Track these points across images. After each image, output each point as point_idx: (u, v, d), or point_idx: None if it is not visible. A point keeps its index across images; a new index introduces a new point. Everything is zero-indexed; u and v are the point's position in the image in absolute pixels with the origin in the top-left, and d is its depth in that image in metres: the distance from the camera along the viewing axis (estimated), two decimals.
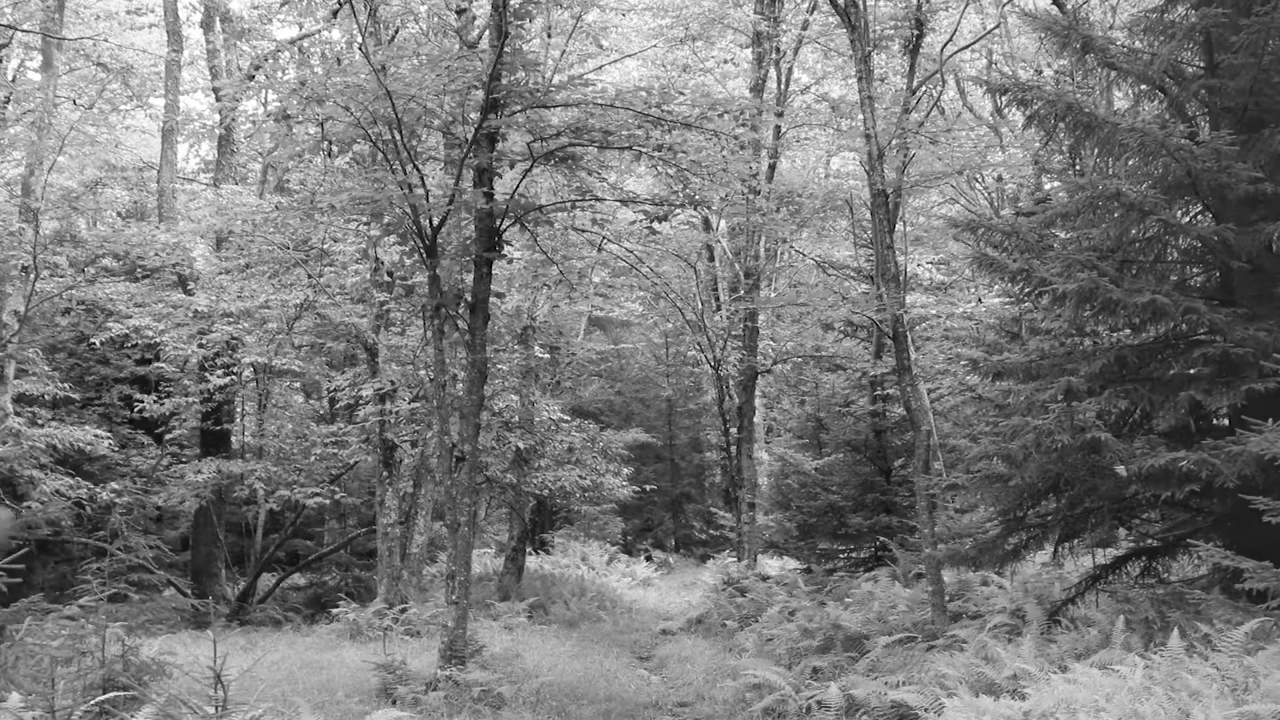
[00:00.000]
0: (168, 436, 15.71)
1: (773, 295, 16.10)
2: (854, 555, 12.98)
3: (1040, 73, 14.74)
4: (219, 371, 14.87)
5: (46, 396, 14.35)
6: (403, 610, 11.16)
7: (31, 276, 13.35)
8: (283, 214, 12.69)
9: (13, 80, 17.08)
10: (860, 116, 9.08)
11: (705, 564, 17.06)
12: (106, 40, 16.81)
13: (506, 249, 10.23)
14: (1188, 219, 6.93)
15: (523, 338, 14.66)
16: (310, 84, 8.04)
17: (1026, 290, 6.79)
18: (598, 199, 9.56)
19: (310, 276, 13.36)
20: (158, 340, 14.60)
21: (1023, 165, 14.19)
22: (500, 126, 7.89)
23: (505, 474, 14.35)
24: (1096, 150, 6.88)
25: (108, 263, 15.95)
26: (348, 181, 8.82)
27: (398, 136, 7.78)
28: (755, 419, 15.70)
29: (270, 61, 16.77)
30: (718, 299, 17.06)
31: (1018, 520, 7.16)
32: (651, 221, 9.24)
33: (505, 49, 7.56)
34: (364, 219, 9.69)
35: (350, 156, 10.06)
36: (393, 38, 11.41)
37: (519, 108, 7.94)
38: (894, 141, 10.00)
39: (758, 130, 13.24)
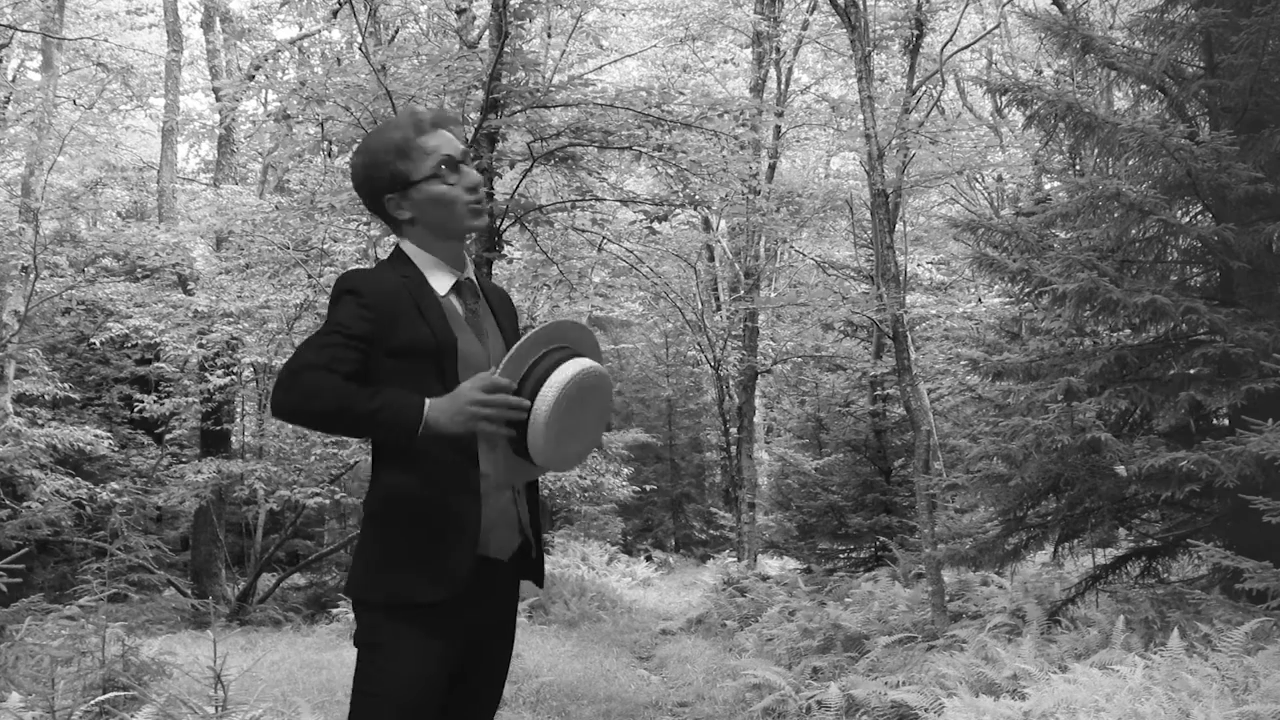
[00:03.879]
0: (168, 436, 15.71)
1: (773, 295, 16.10)
2: (854, 555, 12.97)
3: (1040, 73, 14.75)
4: (219, 371, 14.87)
5: (46, 396, 14.36)
6: None
7: (31, 276, 13.36)
8: (283, 214, 12.70)
9: (13, 80, 17.08)
10: (860, 116, 9.08)
11: (705, 564, 17.06)
12: (106, 40, 16.81)
13: (506, 249, 10.23)
14: (1188, 219, 6.93)
15: None
16: (310, 84, 8.05)
17: (1026, 290, 6.78)
18: (598, 199, 9.57)
19: (310, 276, 13.36)
20: (158, 340, 14.61)
21: (1023, 165, 14.19)
22: (500, 126, 7.89)
23: None
24: (1096, 150, 6.88)
25: (108, 263, 15.96)
26: (348, 182, 8.82)
27: None
28: (755, 419, 15.70)
29: (270, 61, 16.77)
30: (718, 299, 17.06)
31: (1018, 520, 7.15)
32: (651, 221, 9.25)
33: (505, 49, 7.56)
34: (364, 219, 9.70)
35: (350, 156, 10.07)
36: (393, 38, 11.41)
37: (519, 108, 7.95)
38: (894, 141, 10.00)
39: (758, 130, 13.25)
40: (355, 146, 2.46)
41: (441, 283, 2.34)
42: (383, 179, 2.33)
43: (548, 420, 2.15)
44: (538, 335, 2.22)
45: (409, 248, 2.38)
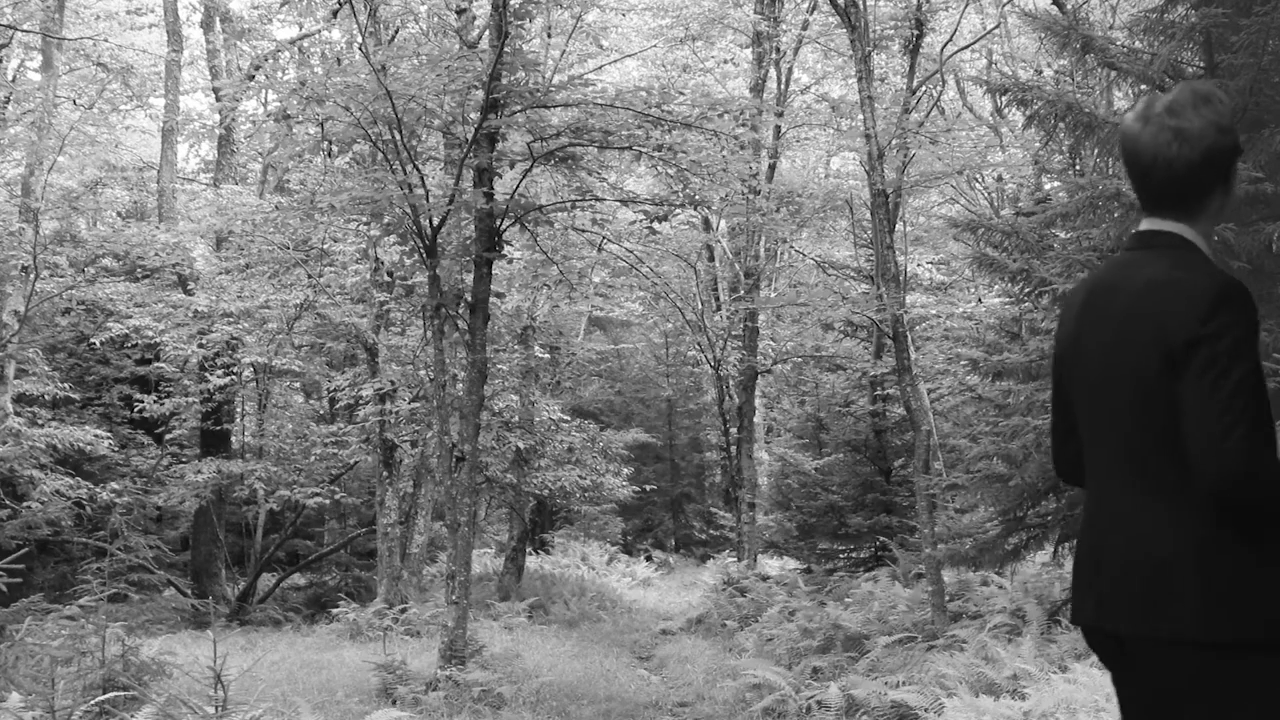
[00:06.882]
0: (168, 436, 15.71)
1: (773, 295, 16.09)
2: (854, 555, 12.98)
3: (1040, 73, 14.74)
4: (219, 371, 14.87)
5: (46, 396, 14.36)
6: (403, 610, 11.16)
7: (31, 276, 13.36)
8: (283, 214, 12.69)
9: (13, 80, 17.08)
10: (860, 116, 9.08)
11: (705, 564, 17.06)
12: (106, 40, 16.81)
13: (506, 249, 10.23)
14: None
15: (523, 338, 14.66)
16: (310, 84, 8.05)
17: (1026, 290, 6.79)
18: (598, 199, 9.56)
19: (310, 276, 13.36)
20: (158, 340, 14.61)
21: (1023, 165, 14.19)
22: (500, 126, 7.88)
23: (505, 474, 14.35)
24: (1096, 150, 6.88)
25: (108, 263, 15.96)
26: (348, 181, 8.82)
27: (398, 136, 7.78)
28: (755, 419, 15.70)
29: (270, 61, 16.77)
30: (718, 299, 17.05)
31: (1018, 520, 7.16)
32: (651, 221, 9.24)
33: (505, 49, 7.56)
34: (364, 219, 9.70)
35: (350, 156, 10.07)
36: (393, 38, 11.41)
37: (519, 108, 7.94)
38: (894, 141, 10.00)
39: (758, 130, 13.24)
40: (1183, 108, 2.01)
41: None
42: (1235, 147, 2.02)
43: None
44: None
45: (1197, 239, 2.06)
